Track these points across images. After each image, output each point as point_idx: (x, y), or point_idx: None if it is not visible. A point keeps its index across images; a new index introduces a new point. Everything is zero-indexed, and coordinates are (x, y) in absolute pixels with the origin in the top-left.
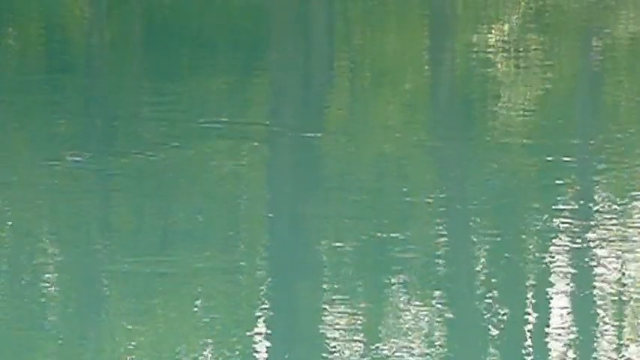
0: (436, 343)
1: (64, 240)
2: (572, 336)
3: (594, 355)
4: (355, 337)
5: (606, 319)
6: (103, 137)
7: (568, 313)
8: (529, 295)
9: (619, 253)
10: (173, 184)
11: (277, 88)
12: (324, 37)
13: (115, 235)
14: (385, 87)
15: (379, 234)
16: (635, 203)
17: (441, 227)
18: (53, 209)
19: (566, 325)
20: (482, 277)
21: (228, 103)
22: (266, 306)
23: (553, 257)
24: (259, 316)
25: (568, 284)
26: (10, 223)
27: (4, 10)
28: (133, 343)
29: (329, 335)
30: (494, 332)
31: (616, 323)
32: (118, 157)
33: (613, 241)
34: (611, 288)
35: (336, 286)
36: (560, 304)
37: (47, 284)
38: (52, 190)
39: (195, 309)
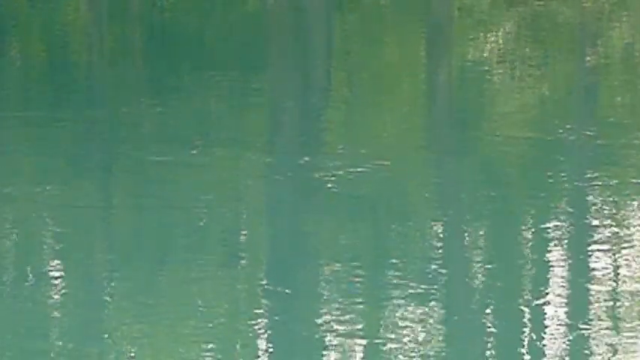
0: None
1: (64, 255)
2: (571, 340)
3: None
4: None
5: (605, 322)
6: (101, 148)
7: (567, 317)
8: (536, 307)
9: (617, 255)
10: (171, 201)
11: (275, 99)
12: (322, 49)
13: (113, 251)
14: (383, 98)
15: (380, 252)
16: (629, 206)
17: (440, 244)
18: (53, 221)
19: (565, 329)
20: (484, 290)
21: (226, 115)
22: (266, 332)
23: (552, 263)
24: (260, 340)
25: (567, 288)
26: (7, 237)
27: (6, 18)
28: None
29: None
30: (497, 349)
31: (615, 326)
32: (115, 169)
33: (610, 244)
34: (610, 290)
35: (339, 317)
36: (560, 307)
37: (36, 304)
38: (53, 200)
39: (196, 328)
